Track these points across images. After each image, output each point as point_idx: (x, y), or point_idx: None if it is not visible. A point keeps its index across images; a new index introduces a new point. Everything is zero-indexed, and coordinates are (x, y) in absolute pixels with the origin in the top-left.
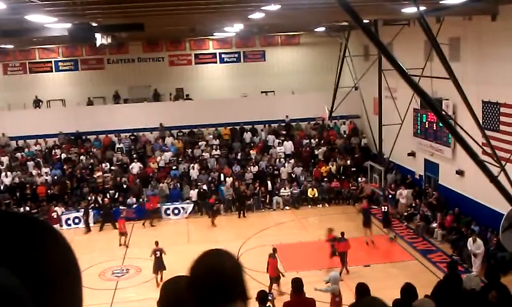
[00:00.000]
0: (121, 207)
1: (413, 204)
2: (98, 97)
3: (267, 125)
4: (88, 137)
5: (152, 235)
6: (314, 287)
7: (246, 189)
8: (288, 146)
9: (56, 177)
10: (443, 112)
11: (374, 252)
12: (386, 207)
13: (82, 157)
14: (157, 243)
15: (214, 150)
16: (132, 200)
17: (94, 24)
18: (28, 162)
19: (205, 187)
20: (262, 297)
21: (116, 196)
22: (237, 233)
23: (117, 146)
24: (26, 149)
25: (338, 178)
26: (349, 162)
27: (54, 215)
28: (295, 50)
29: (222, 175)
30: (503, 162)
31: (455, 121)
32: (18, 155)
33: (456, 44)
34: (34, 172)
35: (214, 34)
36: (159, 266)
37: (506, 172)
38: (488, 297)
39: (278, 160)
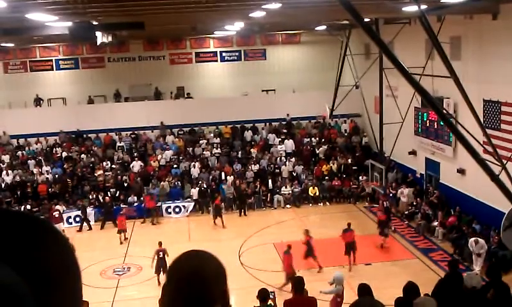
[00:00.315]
0: (122, 206)
1: (414, 203)
2: (98, 95)
3: (268, 124)
4: (89, 135)
5: (153, 234)
6: (319, 290)
7: (246, 188)
8: (289, 144)
9: (56, 175)
10: (444, 111)
11: (375, 250)
12: (386, 203)
13: (83, 156)
14: (160, 243)
15: (214, 149)
16: (133, 198)
17: (95, 23)
18: (29, 161)
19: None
20: (263, 295)
21: (117, 195)
22: (237, 232)
23: (118, 144)
24: (27, 148)
25: (339, 177)
26: (349, 160)
27: (56, 214)
28: (296, 48)
29: (223, 174)
30: (504, 161)
31: (456, 120)
32: (19, 153)
33: (456, 43)
34: (35, 170)
35: (215, 32)
36: (161, 266)
37: (507, 170)
38: (487, 295)
39: (278, 158)
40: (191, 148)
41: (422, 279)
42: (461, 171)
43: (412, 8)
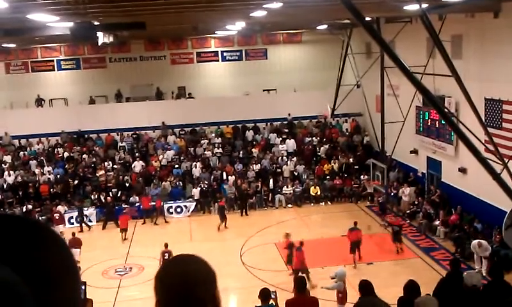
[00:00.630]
0: (123, 206)
1: (416, 202)
2: (100, 96)
3: (269, 123)
4: (90, 135)
5: (154, 234)
6: (321, 286)
7: (248, 187)
8: (291, 144)
9: (58, 176)
10: (446, 110)
11: (377, 250)
12: (382, 198)
13: (84, 156)
14: (166, 245)
15: (216, 148)
16: (134, 199)
17: (96, 23)
18: (31, 161)
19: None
20: (265, 294)
21: (118, 195)
22: (239, 231)
23: (119, 144)
24: (29, 148)
25: (340, 176)
26: (351, 160)
27: (56, 215)
28: (297, 48)
29: (224, 173)
30: (505, 159)
31: (457, 119)
32: (21, 154)
33: (458, 41)
34: (36, 171)
35: (216, 32)
36: None
37: (509, 169)
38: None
39: (280, 158)
40: (192, 148)
41: (423, 278)
42: (463, 170)
43: (413, 7)
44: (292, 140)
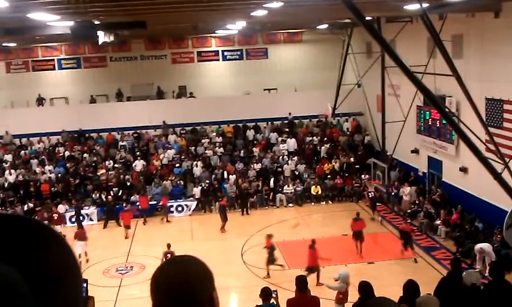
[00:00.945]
0: (124, 205)
1: (417, 202)
2: (100, 95)
3: (270, 123)
4: (91, 134)
5: (155, 233)
6: (323, 282)
7: (248, 187)
8: (292, 143)
9: (59, 175)
10: (447, 109)
11: (377, 249)
12: (372, 193)
13: (85, 155)
14: (169, 245)
15: (217, 148)
16: (135, 198)
17: (96, 22)
18: (32, 160)
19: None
20: (266, 293)
21: (119, 194)
22: (240, 231)
23: (120, 143)
24: (29, 147)
25: (341, 176)
26: (352, 159)
27: (55, 215)
28: (297, 47)
29: (225, 173)
30: (506, 159)
31: (458, 118)
32: (22, 153)
33: (458, 41)
34: (37, 170)
35: (217, 31)
36: None
37: (510, 169)
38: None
39: (281, 157)
40: (193, 147)
41: (424, 278)
42: (464, 170)
43: (414, 6)
44: (293, 139)
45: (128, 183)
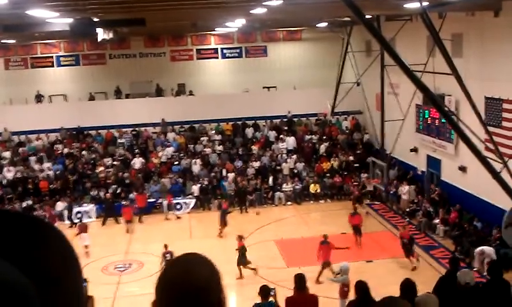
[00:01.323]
0: (123, 202)
1: (415, 201)
2: (99, 92)
3: (269, 121)
4: (90, 132)
5: (154, 230)
6: (327, 277)
7: (247, 185)
8: (291, 141)
9: (58, 172)
10: (446, 108)
11: (376, 248)
12: (358, 191)
13: (84, 152)
14: (166, 246)
15: (216, 145)
16: (134, 195)
17: (95, 19)
18: (30, 157)
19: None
20: (265, 291)
21: (118, 191)
22: (238, 229)
23: (119, 141)
24: (28, 144)
25: (340, 174)
26: (351, 157)
27: (46, 214)
28: (297, 45)
29: (224, 171)
30: (505, 158)
31: (457, 117)
32: (20, 150)
33: (458, 40)
34: (36, 167)
35: (216, 29)
36: None
37: (509, 168)
38: None
39: (280, 155)
40: (192, 145)
41: (423, 277)
42: (463, 169)
43: (414, 5)
44: (292, 137)
45: (127, 181)
